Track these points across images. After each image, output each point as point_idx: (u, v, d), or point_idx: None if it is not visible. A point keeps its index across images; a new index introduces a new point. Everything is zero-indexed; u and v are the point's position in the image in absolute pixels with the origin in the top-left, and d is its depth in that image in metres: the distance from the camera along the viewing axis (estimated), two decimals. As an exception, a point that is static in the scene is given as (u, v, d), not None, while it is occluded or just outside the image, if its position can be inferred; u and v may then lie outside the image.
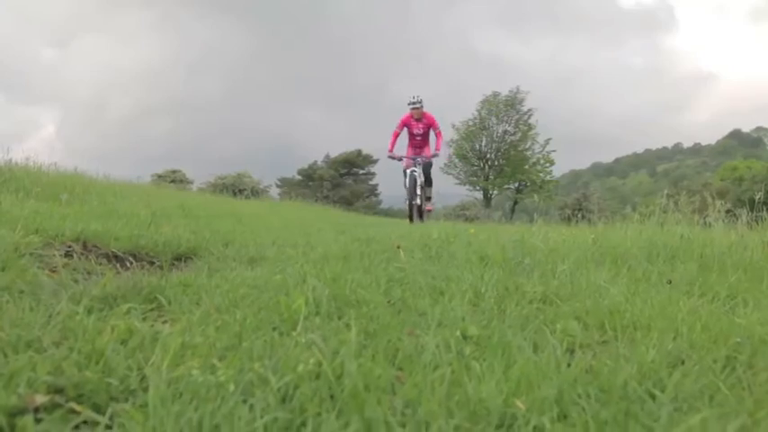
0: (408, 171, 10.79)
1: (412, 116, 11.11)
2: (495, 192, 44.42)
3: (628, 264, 3.41)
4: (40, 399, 0.93)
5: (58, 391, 0.98)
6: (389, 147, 11.06)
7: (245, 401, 0.93)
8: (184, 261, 2.98)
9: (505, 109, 45.06)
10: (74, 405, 0.91)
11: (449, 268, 2.83)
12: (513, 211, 41.80)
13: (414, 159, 11.02)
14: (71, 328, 1.36)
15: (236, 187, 27.40)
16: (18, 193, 5.79)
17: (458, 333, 1.45)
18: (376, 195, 50.92)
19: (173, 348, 1.18)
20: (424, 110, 11.17)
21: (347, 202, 40.73)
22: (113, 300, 1.77)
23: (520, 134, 44.59)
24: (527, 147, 44.67)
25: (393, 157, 11.08)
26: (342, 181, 49.19)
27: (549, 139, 44.37)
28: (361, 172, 50.10)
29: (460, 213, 40.15)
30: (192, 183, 32.32)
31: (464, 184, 44.32)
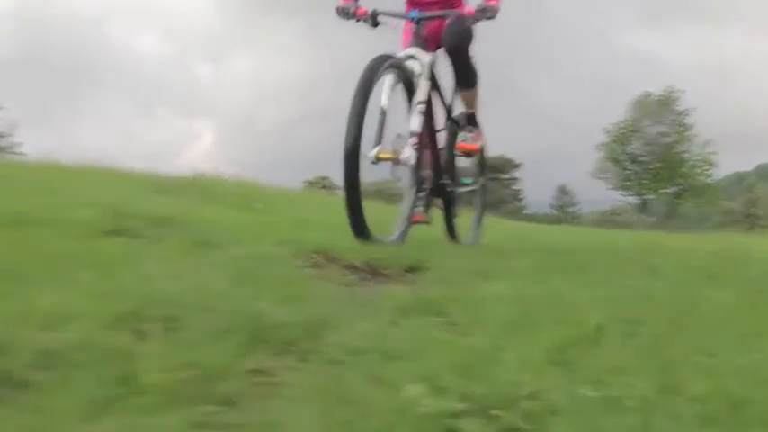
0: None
1: None
2: (652, 196, 42.09)
3: None
4: (459, 405, 1.07)
5: (466, 398, 1.11)
6: None
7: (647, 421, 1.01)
8: (413, 272, 3.12)
9: (659, 109, 42.75)
10: (499, 412, 1.04)
11: (679, 287, 2.70)
12: (672, 216, 39.27)
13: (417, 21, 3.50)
14: (404, 339, 1.51)
15: (385, 193, 28.17)
16: (216, 203, 6.31)
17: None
18: (519, 200, 50.23)
19: (531, 363, 1.28)
20: None
21: (492, 208, 40.38)
22: (405, 311, 1.92)
23: (676, 135, 42.06)
24: (684, 148, 42.04)
25: (348, 13, 3.63)
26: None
27: (710, 139, 41.42)
28: (505, 177, 49.46)
29: (611, 219, 38.45)
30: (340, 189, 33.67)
31: (616, 189, 42.53)
